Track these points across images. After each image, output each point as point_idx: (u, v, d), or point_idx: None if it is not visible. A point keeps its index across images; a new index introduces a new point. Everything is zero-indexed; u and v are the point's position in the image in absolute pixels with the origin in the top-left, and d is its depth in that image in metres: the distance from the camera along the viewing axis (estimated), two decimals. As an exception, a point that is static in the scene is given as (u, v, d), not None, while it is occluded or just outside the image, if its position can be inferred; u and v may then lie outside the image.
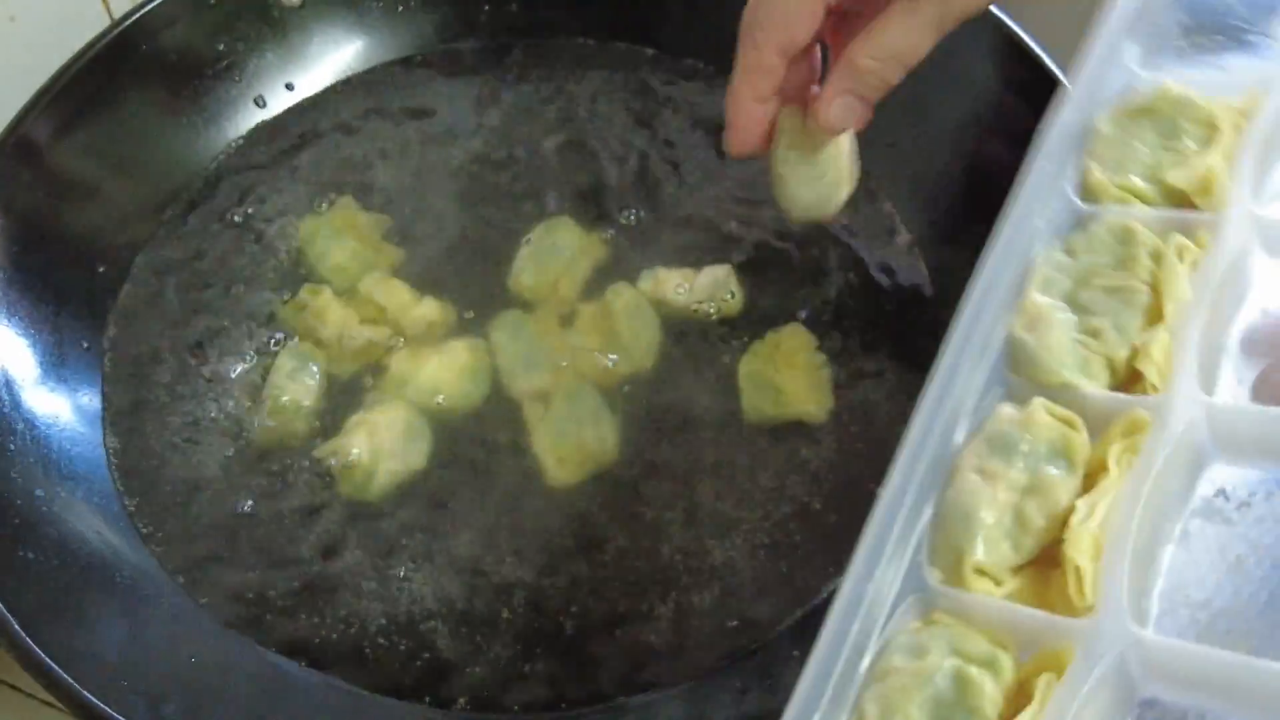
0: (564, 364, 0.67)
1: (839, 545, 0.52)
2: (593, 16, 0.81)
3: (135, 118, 0.74)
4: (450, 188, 0.76)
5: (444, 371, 0.67)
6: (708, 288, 0.69)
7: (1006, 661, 0.38)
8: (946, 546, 0.41)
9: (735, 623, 0.61)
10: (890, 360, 0.69)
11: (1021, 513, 0.41)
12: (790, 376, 0.67)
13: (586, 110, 0.79)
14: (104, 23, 0.77)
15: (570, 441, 0.65)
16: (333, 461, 0.65)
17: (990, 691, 0.37)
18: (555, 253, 0.71)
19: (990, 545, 0.40)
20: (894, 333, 0.69)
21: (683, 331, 0.70)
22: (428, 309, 0.69)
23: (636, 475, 0.65)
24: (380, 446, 0.64)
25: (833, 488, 0.64)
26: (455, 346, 0.68)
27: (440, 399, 0.66)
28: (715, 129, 0.75)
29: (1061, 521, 0.40)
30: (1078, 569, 0.39)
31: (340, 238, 0.72)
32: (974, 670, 0.38)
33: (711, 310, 0.69)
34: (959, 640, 0.39)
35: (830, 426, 0.66)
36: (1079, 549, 0.39)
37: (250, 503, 0.65)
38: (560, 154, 0.77)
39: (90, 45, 0.71)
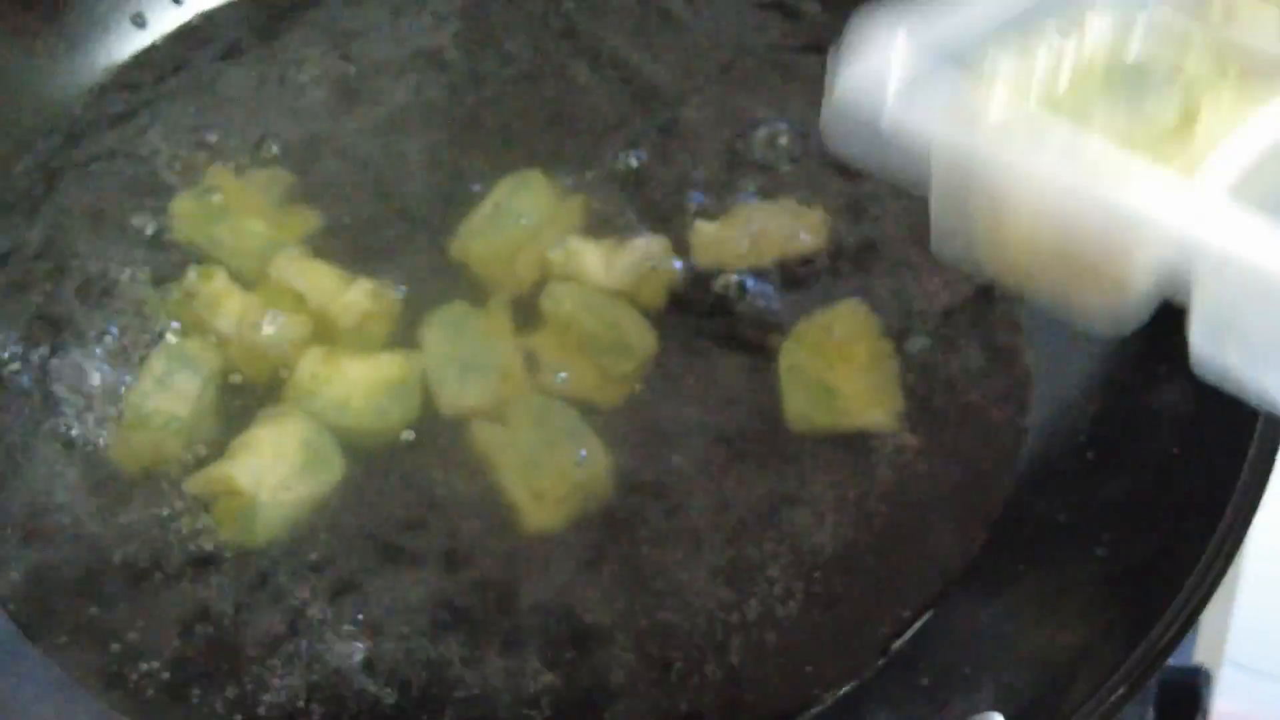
0: (515, 373, 0.60)
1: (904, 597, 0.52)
2: None
3: None
4: (379, 134, 0.68)
5: (363, 383, 0.59)
6: (631, 267, 0.61)
7: None
8: None
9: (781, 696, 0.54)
10: (978, 347, 0.60)
11: None
12: (848, 373, 0.58)
13: (558, 20, 0.71)
14: None
15: (547, 471, 0.57)
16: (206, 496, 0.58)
17: None
18: (515, 219, 0.63)
19: None
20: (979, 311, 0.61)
21: (685, 320, 0.61)
22: (359, 295, 0.61)
23: (639, 507, 0.57)
24: (263, 475, 0.56)
25: (908, 520, 0.56)
26: (384, 356, 0.60)
27: (354, 418, 0.59)
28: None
29: None
30: None
31: (234, 204, 0.65)
32: None
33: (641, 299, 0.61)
34: None
35: (900, 439, 0.58)
36: None
37: (114, 548, 0.58)
38: (527, 86, 0.69)
39: None
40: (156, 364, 0.60)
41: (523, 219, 0.63)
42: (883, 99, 0.34)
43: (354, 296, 0.60)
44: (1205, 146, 0.33)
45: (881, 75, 0.34)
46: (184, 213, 0.64)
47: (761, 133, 0.66)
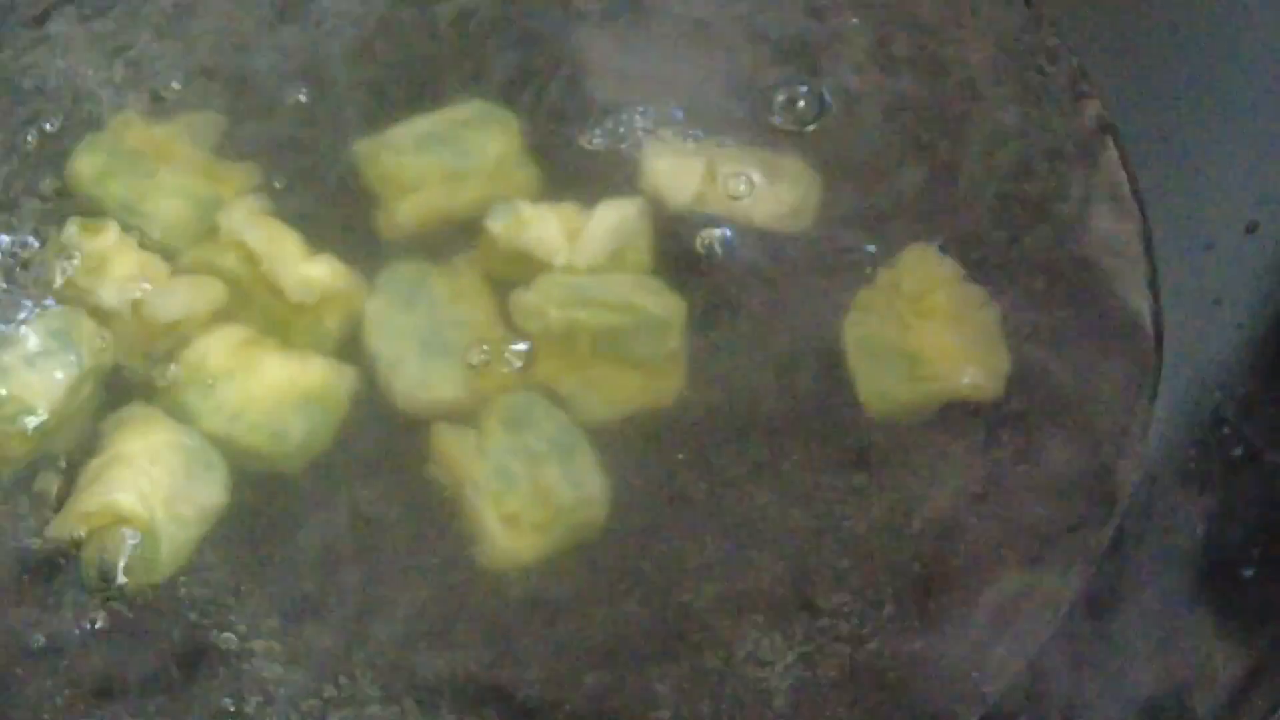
0: (493, 355, 0.49)
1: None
2: None
3: None
4: (305, 63, 0.57)
5: (274, 389, 0.48)
6: (605, 238, 0.49)
7: None
8: None
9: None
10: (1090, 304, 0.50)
11: None
12: (930, 331, 0.48)
13: None
14: None
15: (522, 489, 0.46)
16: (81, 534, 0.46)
17: None
18: (449, 149, 0.52)
19: None
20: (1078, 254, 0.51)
21: (695, 291, 0.50)
22: (325, 271, 0.50)
23: (644, 542, 0.46)
24: (150, 494, 0.46)
25: (1008, 530, 0.47)
26: (314, 359, 0.49)
27: (245, 433, 0.48)
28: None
29: None
30: None
31: (152, 154, 0.54)
32: None
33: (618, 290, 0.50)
34: None
35: (1006, 408, 0.48)
36: None
37: (26, 585, 0.48)
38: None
39: None
40: (30, 337, 0.49)
41: (461, 155, 0.51)
42: None
43: (318, 272, 0.49)
44: None
45: None
46: (89, 167, 0.53)
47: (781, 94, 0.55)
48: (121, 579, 0.47)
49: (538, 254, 0.49)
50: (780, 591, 0.46)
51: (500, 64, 0.56)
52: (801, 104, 0.53)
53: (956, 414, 0.48)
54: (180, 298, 0.49)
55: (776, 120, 0.53)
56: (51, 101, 0.56)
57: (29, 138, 0.56)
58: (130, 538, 0.47)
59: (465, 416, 0.48)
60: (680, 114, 0.53)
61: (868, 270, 0.49)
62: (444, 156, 0.52)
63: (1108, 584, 0.47)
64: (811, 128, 0.53)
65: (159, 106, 0.56)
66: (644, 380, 0.48)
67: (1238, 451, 0.45)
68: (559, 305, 0.48)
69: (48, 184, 0.55)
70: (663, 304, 0.48)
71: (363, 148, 0.52)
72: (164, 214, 0.51)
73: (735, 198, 0.50)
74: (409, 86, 0.55)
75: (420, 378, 0.48)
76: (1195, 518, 0.45)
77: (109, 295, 0.49)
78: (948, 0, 0.58)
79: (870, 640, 0.45)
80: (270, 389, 0.48)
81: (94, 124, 0.55)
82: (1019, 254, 0.51)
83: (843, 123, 0.53)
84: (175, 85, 0.57)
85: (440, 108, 0.54)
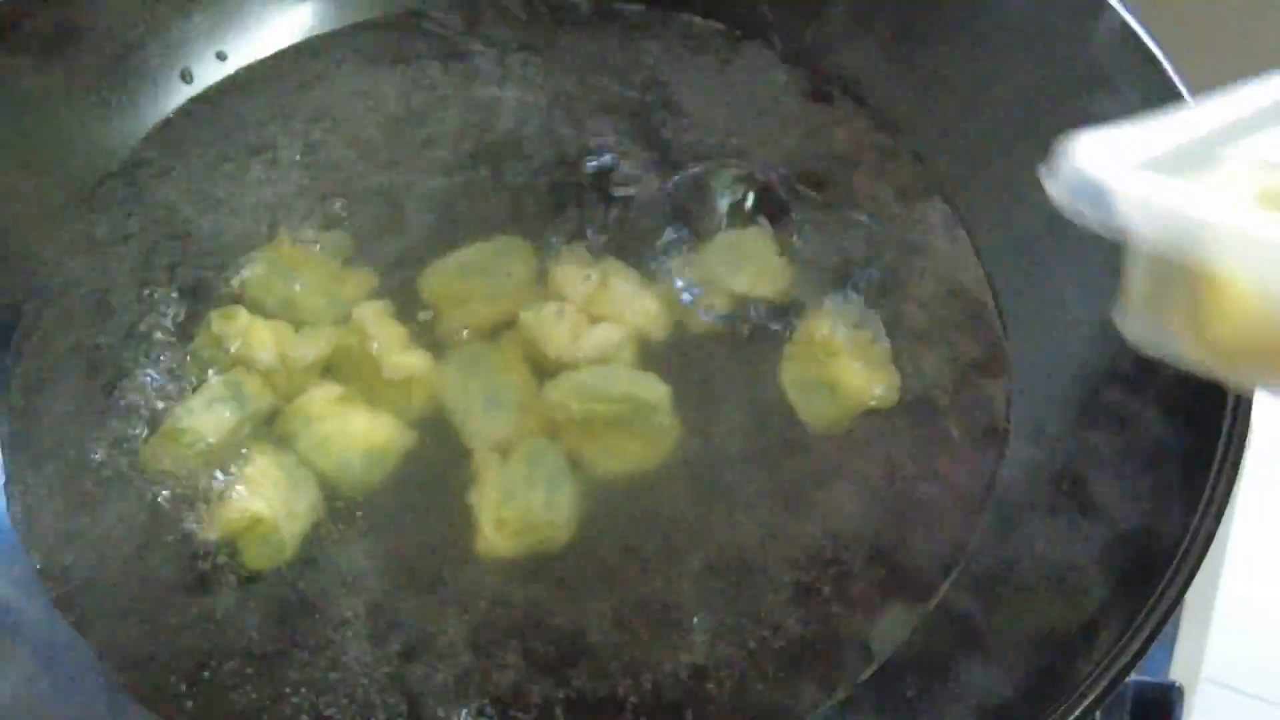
0: (532, 407, 0.60)
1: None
2: None
3: (37, 101, 0.66)
4: (413, 188, 0.68)
5: (350, 434, 0.60)
6: (594, 350, 0.61)
7: None
8: None
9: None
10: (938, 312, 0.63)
11: None
12: (840, 365, 0.61)
13: (563, 85, 0.71)
14: None
15: (517, 504, 0.58)
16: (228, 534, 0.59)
17: None
18: (496, 277, 0.65)
19: None
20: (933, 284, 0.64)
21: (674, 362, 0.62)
22: (412, 359, 0.62)
23: (592, 560, 0.58)
24: (275, 503, 0.58)
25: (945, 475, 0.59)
26: (384, 417, 0.61)
27: (324, 461, 0.60)
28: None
29: None
30: None
31: (300, 268, 0.65)
32: None
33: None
34: None
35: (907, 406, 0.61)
36: None
37: (160, 563, 0.59)
38: (553, 148, 0.69)
39: None
40: (211, 389, 0.60)
41: (494, 277, 0.64)
42: (1097, 179, 0.34)
43: (410, 359, 0.61)
44: None
45: (1097, 160, 0.34)
46: (256, 274, 0.64)
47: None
48: (255, 563, 0.58)
49: (549, 349, 0.61)
50: (726, 574, 0.57)
51: (526, 210, 0.67)
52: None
53: (867, 420, 0.60)
54: (309, 346, 0.61)
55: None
56: (210, 227, 0.67)
57: (195, 259, 0.66)
58: (263, 532, 0.58)
59: (505, 450, 0.59)
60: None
61: (789, 332, 0.62)
62: (481, 279, 0.63)
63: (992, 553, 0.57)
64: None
65: (302, 231, 0.66)
66: (644, 444, 0.59)
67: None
68: (578, 400, 0.59)
69: (227, 291, 0.65)
70: (653, 392, 0.59)
71: (423, 274, 0.63)
72: (307, 305, 0.63)
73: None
74: (461, 225, 0.66)
75: (482, 422, 0.60)
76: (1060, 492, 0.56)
77: (264, 357, 0.61)
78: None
79: (800, 610, 0.56)
80: (347, 433, 0.59)
81: (252, 244, 0.65)
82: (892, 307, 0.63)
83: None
84: (288, 212, 0.67)
85: (478, 242, 0.65)
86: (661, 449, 0.59)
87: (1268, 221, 0.32)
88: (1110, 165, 0.34)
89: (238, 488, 0.58)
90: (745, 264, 0.63)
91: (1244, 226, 0.32)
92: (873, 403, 0.60)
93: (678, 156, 0.67)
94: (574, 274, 0.63)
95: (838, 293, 0.63)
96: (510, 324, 0.62)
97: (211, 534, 0.58)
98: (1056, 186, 0.35)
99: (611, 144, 0.68)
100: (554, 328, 0.61)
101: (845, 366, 0.61)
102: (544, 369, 0.61)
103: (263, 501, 0.57)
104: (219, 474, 0.59)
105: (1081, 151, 0.34)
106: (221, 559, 0.58)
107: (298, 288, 0.64)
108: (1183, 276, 0.34)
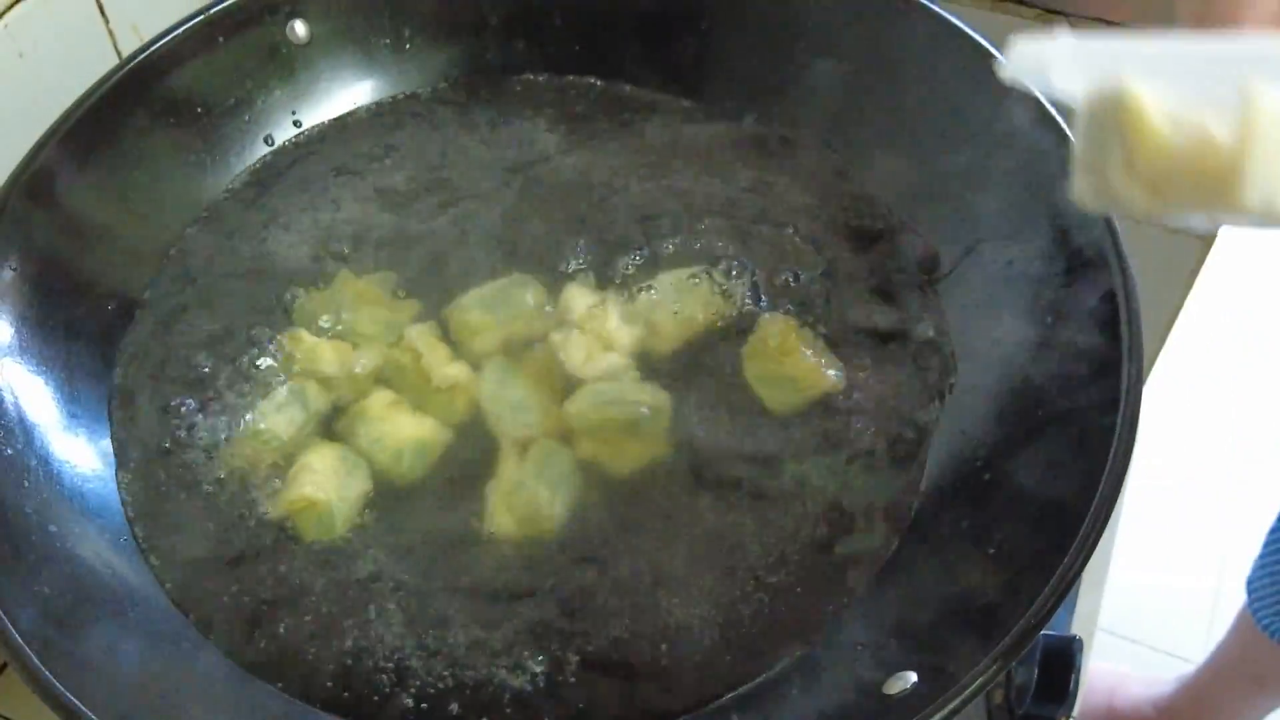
0: (551, 412, 0.63)
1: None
2: (602, 55, 0.75)
3: (144, 156, 0.69)
4: (444, 234, 0.70)
5: (400, 432, 0.61)
6: (604, 369, 0.63)
7: None
8: None
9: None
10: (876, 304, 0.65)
11: None
12: (792, 361, 0.63)
13: (597, 151, 0.73)
14: (112, 60, 0.73)
15: (524, 496, 0.60)
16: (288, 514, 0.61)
17: None
18: (511, 309, 0.66)
19: None
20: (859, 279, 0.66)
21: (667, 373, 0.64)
22: (459, 372, 0.64)
23: (577, 548, 0.58)
24: (327, 485, 0.59)
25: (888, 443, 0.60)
26: (427, 419, 0.62)
27: (378, 453, 0.61)
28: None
29: None
30: None
31: (357, 297, 0.67)
32: None
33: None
34: None
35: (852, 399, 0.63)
36: None
37: (258, 544, 0.60)
38: (569, 199, 0.71)
39: (99, 84, 0.66)
40: (278, 396, 0.63)
41: (509, 309, 0.65)
42: (1049, 63, 0.36)
43: (454, 370, 0.63)
44: None
45: (1048, 51, 0.36)
46: (319, 305, 0.66)
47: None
48: (310, 536, 0.59)
49: (567, 367, 0.63)
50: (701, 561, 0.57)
51: (536, 251, 0.68)
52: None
53: (820, 406, 0.62)
54: (365, 359, 0.63)
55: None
56: (282, 264, 0.68)
57: (271, 294, 0.67)
58: (318, 511, 0.59)
59: (525, 448, 0.61)
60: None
61: (749, 336, 0.64)
62: (497, 311, 0.65)
63: (929, 522, 0.57)
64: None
65: (352, 266, 0.68)
66: (645, 445, 0.61)
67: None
68: (594, 408, 0.62)
69: (296, 316, 0.66)
70: (658, 399, 0.62)
71: (448, 308, 0.65)
72: (365, 330, 0.65)
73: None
74: (483, 263, 0.67)
75: (513, 423, 0.62)
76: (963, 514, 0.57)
77: (328, 368, 0.63)
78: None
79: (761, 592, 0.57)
80: (399, 430, 0.61)
81: (316, 278, 0.67)
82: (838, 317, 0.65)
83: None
84: (349, 251, 0.68)
85: (495, 279, 0.66)
86: (658, 450, 0.61)
87: (1164, 37, 0.35)
88: (1047, 42, 0.36)
89: (299, 475, 0.60)
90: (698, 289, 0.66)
91: (1148, 46, 0.35)
92: (827, 389, 0.62)
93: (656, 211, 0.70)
94: (581, 301, 0.65)
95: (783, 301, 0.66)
96: (527, 346, 0.65)
97: (273, 513, 0.60)
98: (1008, 68, 0.37)
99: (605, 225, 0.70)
100: (571, 350, 0.64)
101: (798, 363, 0.63)
102: (562, 382, 0.63)
103: (315, 486, 0.60)
104: (281, 462, 0.61)
105: (1026, 37, 0.37)
106: (284, 534, 0.60)
107: (355, 315, 0.66)
108: (1112, 125, 0.36)
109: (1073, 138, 0.37)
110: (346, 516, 0.59)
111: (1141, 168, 0.35)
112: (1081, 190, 0.37)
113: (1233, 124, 0.33)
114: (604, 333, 0.64)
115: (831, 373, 0.63)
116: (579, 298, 0.66)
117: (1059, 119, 0.60)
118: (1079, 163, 0.37)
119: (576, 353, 0.63)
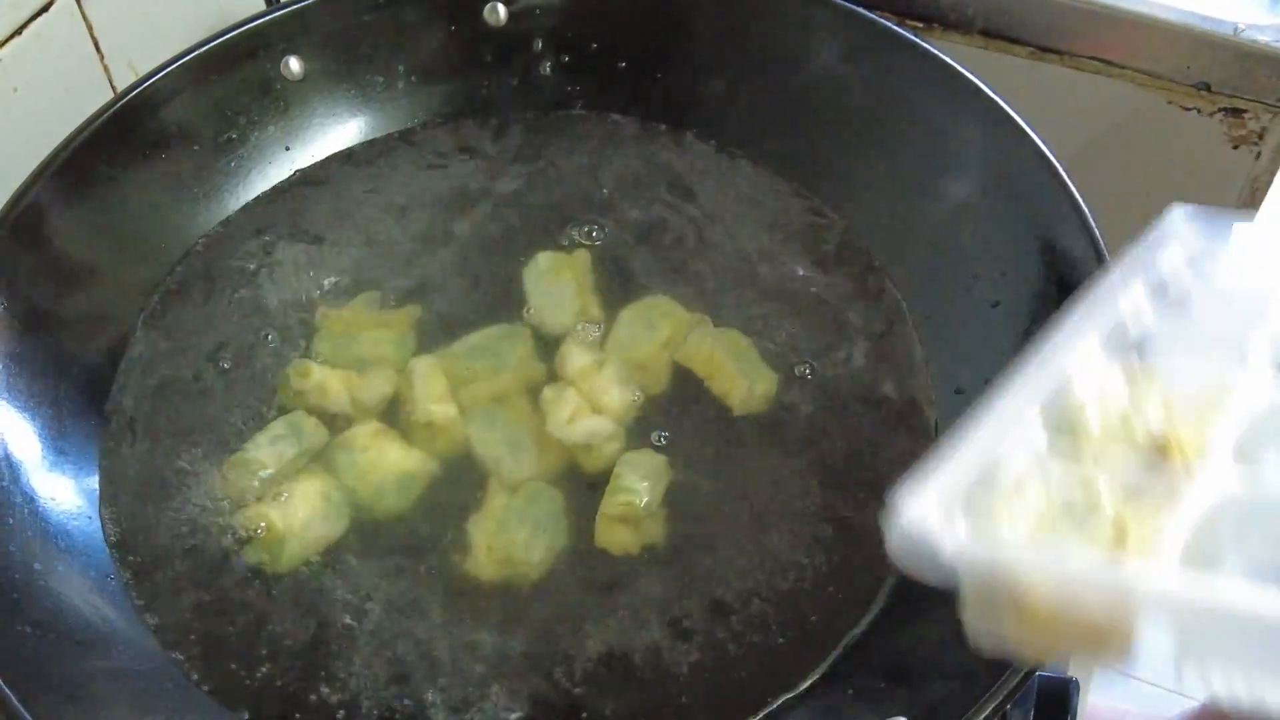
0: (549, 452, 0.61)
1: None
2: (594, 91, 0.75)
3: (137, 191, 0.69)
4: (448, 262, 0.70)
5: (385, 464, 0.61)
6: (585, 434, 0.61)
7: None
8: None
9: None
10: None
11: None
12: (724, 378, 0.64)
13: (591, 186, 0.73)
14: (106, 95, 0.72)
15: (505, 537, 0.59)
16: (244, 531, 0.60)
17: None
18: (498, 358, 0.65)
19: None
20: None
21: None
22: (440, 409, 0.62)
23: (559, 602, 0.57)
24: (292, 519, 0.59)
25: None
26: (413, 451, 0.62)
27: (363, 487, 0.61)
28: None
29: None
30: None
31: (361, 329, 0.67)
32: None
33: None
34: None
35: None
36: None
37: (243, 584, 0.59)
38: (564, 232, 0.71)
39: (93, 119, 0.66)
40: (274, 428, 0.62)
41: (496, 358, 0.65)
42: (923, 541, 0.38)
43: (438, 408, 0.62)
44: (1142, 547, 0.38)
45: (920, 524, 0.38)
46: (323, 342, 0.66)
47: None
48: (255, 562, 0.58)
49: (548, 423, 0.61)
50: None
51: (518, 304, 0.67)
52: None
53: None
54: (372, 390, 0.63)
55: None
56: (278, 298, 0.68)
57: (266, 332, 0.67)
58: (272, 538, 0.58)
59: (515, 487, 0.60)
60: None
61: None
62: (485, 360, 0.64)
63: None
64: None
65: (349, 301, 0.68)
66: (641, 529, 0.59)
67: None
68: (650, 491, 0.58)
69: (288, 334, 0.66)
70: (655, 466, 0.60)
71: (435, 359, 0.64)
72: (369, 355, 0.64)
73: None
74: (475, 305, 0.67)
75: (514, 465, 0.60)
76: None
77: (335, 404, 0.62)
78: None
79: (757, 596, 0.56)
80: (383, 463, 0.60)
81: (308, 314, 0.67)
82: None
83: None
84: (347, 284, 0.68)
85: (483, 329, 0.66)
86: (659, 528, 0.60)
87: (1044, 546, 0.39)
88: (929, 522, 0.38)
89: (275, 499, 0.59)
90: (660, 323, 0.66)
91: (1030, 557, 0.38)
92: (754, 406, 0.63)
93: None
94: (577, 359, 0.64)
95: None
96: (516, 396, 0.63)
97: (232, 525, 0.59)
98: (893, 548, 0.39)
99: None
100: (559, 408, 0.62)
101: (728, 378, 0.63)
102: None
103: (280, 513, 0.59)
104: (257, 484, 0.60)
105: (909, 514, 0.38)
106: (268, 573, 0.59)
107: (360, 345, 0.66)
108: (1000, 595, 0.39)
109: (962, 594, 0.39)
110: (298, 555, 0.58)
111: (1032, 631, 0.38)
112: (972, 632, 0.39)
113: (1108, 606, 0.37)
114: (595, 393, 0.62)
115: (762, 385, 0.62)
116: (576, 355, 0.64)
117: (1053, 160, 0.60)
118: (968, 613, 0.39)
119: (562, 411, 0.61)
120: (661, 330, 0.65)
